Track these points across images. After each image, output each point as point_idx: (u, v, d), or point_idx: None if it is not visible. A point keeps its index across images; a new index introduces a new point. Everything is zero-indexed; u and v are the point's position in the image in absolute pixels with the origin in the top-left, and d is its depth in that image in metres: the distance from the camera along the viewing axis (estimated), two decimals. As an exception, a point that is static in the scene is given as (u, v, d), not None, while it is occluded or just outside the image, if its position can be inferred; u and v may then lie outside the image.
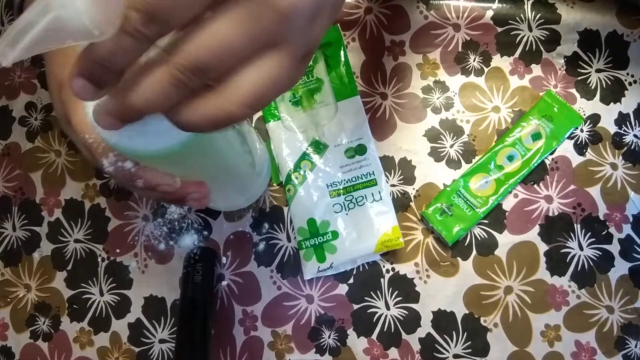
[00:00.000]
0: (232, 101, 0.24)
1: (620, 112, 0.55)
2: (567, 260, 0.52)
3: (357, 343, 0.51)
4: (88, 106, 0.29)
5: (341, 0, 0.26)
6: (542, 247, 0.52)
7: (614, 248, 0.52)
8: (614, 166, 0.54)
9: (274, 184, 0.54)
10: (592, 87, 0.56)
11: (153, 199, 0.36)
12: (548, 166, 0.54)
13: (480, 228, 0.53)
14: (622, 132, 0.55)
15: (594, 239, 0.52)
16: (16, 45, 0.20)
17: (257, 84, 0.24)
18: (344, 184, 0.53)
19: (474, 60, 0.57)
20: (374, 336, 0.51)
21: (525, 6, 0.58)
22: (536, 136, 0.53)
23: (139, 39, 0.21)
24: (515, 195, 0.53)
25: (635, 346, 0.50)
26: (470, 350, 0.51)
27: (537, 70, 0.56)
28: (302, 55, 0.25)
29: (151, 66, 0.23)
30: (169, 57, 0.23)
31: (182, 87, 0.23)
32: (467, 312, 0.51)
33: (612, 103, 0.55)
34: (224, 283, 0.53)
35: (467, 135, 0.55)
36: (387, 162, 0.54)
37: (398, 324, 0.51)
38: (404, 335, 0.51)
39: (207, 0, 0.21)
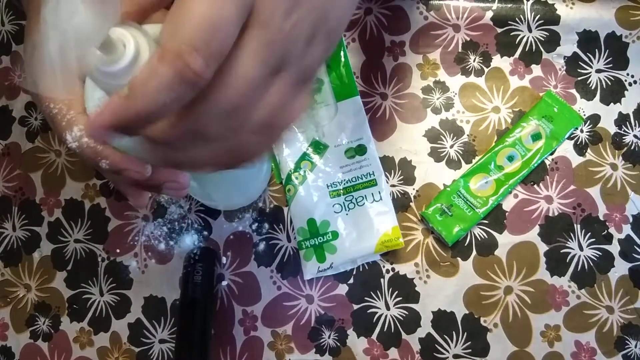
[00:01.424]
0: (242, 133, 0.23)
1: (620, 113, 0.55)
2: (567, 261, 0.52)
3: (357, 343, 0.51)
4: (89, 100, 0.29)
5: (338, 30, 0.26)
6: (542, 248, 0.52)
7: (614, 248, 0.52)
8: (614, 166, 0.54)
9: (276, 182, 0.54)
10: (592, 88, 0.56)
11: (121, 183, 0.34)
12: (548, 166, 0.54)
13: (480, 228, 0.53)
14: (622, 132, 0.55)
15: (594, 239, 0.52)
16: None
17: (263, 111, 0.23)
18: (344, 184, 0.53)
19: (474, 61, 0.57)
20: (374, 336, 0.51)
21: (525, 7, 0.58)
22: (536, 136, 0.53)
23: (197, 85, 0.20)
24: (515, 196, 0.53)
25: (635, 346, 0.50)
26: (470, 350, 0.51)
27: (537, 70, 0.56)
28: (301, 81, 0.24)
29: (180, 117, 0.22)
30: (193, 112, 0.21)
31: (205, 136, 0.22)
32: (467, 312, 0.51)
33: (612, 103, 0.55)
34: (224, 283, 0.53)
35: (467, 135, 0.55)
36: (387, 162, 0.54)
37: (398, 324, 0.51)
38: (404, 335, 0.51)
39: (238, 27, 0.21)
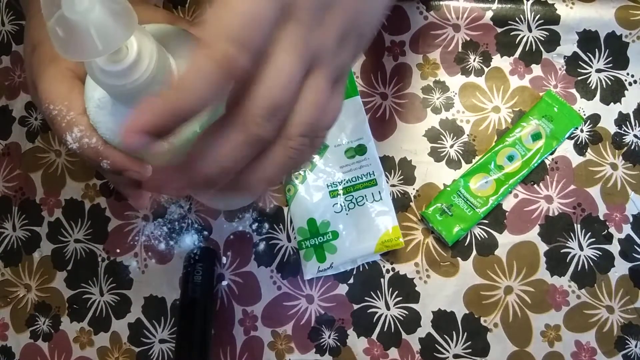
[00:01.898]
0: (291, 139, 0.23)
1: (620, 112, 0.55)
2: (567, 260, 0.52)
3: (357, 343, 0.51)
4: (89, 100, 0.29)
5: (367, 34, 0.26)
6: (542, 247, 0.52)
7: (614, 248, 0.52)
8: (614, 166, 0.54)
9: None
10: (592, 87, 0.56)
11: (122, 184, 0.33)
12: (548, 166, 0.54)
13: (480, 228, 0.53)
14: (622, 132, 0.55)
15: (594, 239, 0.52)
16: None
17: (308, 112, 0.23)
18: (344, 184, 0.53)
19: (474, 61, 0.57)
20: (374, 336, 0.51)
21: (525, 7, 0.58)
22: (536, 136, 0.53)
23: (240, 78, 0.20)
24: (515, 195, 0.53)
25: (635, 346, 0.50)
26: (470, 350, 0.51)
27: (537, 70, 0.56)
28: (334, 78, 0.24)
29: (219, 128, 0.21)
30: (239, 112, 0.21)
31: (259, 144, 0.22)
32: (467, 312, 0.51)
33: (612, 103, 0.55)
34: (224, 283, 0.53)
35: (467, 135, 0.55)
36: (387, 162, 0.54)
37: (398, 324, 0.51)
38: (404, 335, 0.51)
39: (275, 22, 0.21)
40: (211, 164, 0.22)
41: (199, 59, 0.20)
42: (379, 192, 0.52)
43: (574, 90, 0.56)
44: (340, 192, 0.53)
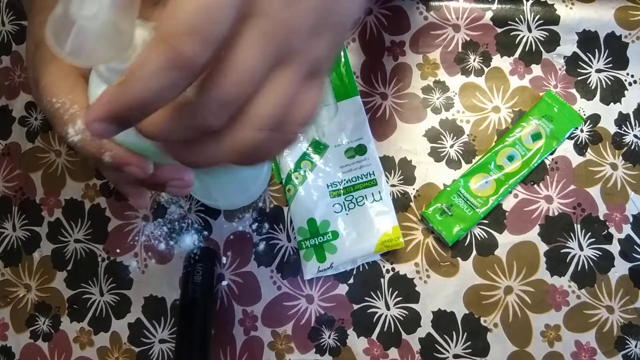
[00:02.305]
0: (250, 128, 0.22)
1: (620, 112, 0.55)
2: (567, 260, 0.52)
3: (357, 343, 0.51)
4: (93, 97, 0.29)
5: (344, 23, 0.25)
6: (542, 247, 0.52)
7: (614, 248, 0.52)
8: (614, 166, 0.54)
9: (276, 182, 0.54)
10: (592, 87, 0.56)
11: (122, 183, 0.33)
12: (548, 166, 0.54)
13: (480, 228, 0.53)
14: (622, 132, 0.55)
15: (594, 239, 0.52)
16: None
17: (274, 105, 0.22)
18: (344, 184, 0.53)
19: (474, 61, 0.57)
20: (374, 336, 0.51)
21: (525, 7, 0.58)
22: (536, 136, 0.53)
23: (189, 70, 0.20)
24: (515, 196, 0.53)
25: (635, 346, 0.50)
26: (470, 350, 0.51)
27: (537, 70, 0.56)
28: (308, 72, 0.24)
29: (177, 109, 0.22)
30: (195, 98, 0.21)
31: (209, 134, 0.22)
32: (467, 312, 0.51)
33: (612, 103, 0.55)
34: (224, 283, 0.53)
35: (467, 135, 0.55)
36: (387, 162, 0.54)
37: (398, 324, 0.51)
38: (404, 335, 0.51)
39: (236, 14, 0.20)
40: (159, 132, 0.22)
41: (151, 51, 0.19)
42: (379, 192, 0.52)
43: (574, 90, 0.56)
44: (341, 192, 0.53)
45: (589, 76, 0.56)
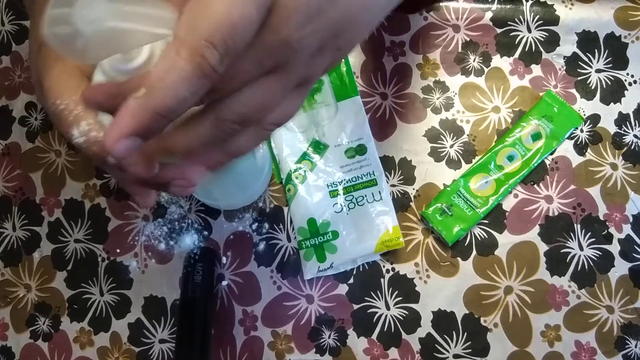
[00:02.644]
0: (220, 118, 0.23)
1: (620, 112, 0.55)
2: (567, 260, 0.52)
3: (357, 343, 0.51)
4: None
5: (349, 47, 0.26)
6: (542, 247, 0.52)
7: (614, 248, 0.52)
8: (614, 166, 0.54)
9: (277, 182, 0.54)
10: (592, 87, 0.56)
11: (128, 182, 0.33)
12: (548, 166, 0.54)
13: (480, 228, 0.53)
14: (622, 132, 0.55)
15: (594, 239, 0.52)
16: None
17: (246, 103, 0.23)
18: (344, 184, 0.53)
19: (473, 61, 0.57)
20: (374, 336, 0.51)
21: (524, 7, 0.58)
22: (536, 136, 0.53)
23: (212, 78, 0.20)
24: (515, 195, 0.53)
25: (635, 346, 0.50)
26: (470, 350, 0.51)
27: (537, 70, 0.56)
28: (295, 85, 0.24)
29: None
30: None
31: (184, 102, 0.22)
32: (467, 312, 0.51)
33: (612, 103, 0.55)
34: (224, 283, 0.53)
35: (467, 135, 0.55)
36: (387, 162, 0.55)
37: (398, 324, 0.51)
38: (404, 335, 0.51)
39: (258, 26, 0.21)
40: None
41: (176, 59, 0.20)
42: (379, 192, 0.52)
43: (573, 91, 0.56)
44: (341, 192, 0.53)
45: (589, 76, 0.56)
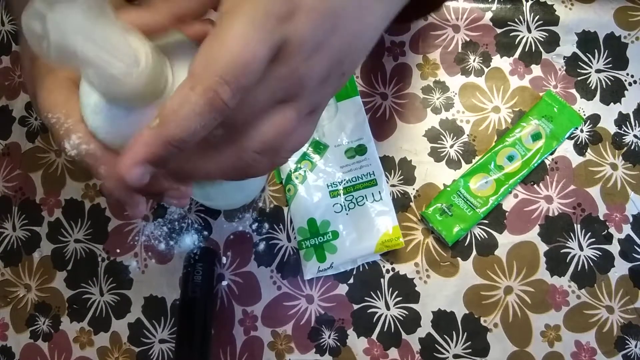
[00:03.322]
0: (243, 149, 0.25)
1: (620, 112, 0.55)
2: (567, 261, 0.52)
3: (357, 343, 0.51)
4: (86, 107, 0.29)
5: (350, 72, 0.27)
6: (542, 247, 0.52)
7: (614, 248, 0.52)
8: (614, 166, 0.54)
9: (277, 182, 0.54)
10: (592, 88, 0.56)
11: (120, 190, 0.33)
12: (548, 166, 0.54)
13: (480, 228, 0.53)
14: (622, 132, 0.55)
15: (594, 239, 0.52)
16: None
17: (266, 133, 0.25)
18: (344, 184, 0.53)
19: (473, 61, 0.57)
20: (374, 336, 0.51)
21: (524, 7, 0.58)
22: (536, 136, 0.53)
23: (224, 114, 0.22)
24: (515, 196, 0.53)
25: (635, 346, 0.50)
26: (470, 350, 0.50)
27: (537, 70, 0.56)
28: (307, 112, 0.26)
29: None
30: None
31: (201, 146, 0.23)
32: (467, 312, 0.51)
33: (612, 103, 0.55)
34: (224, 283, 0.53)
35: (467, 135, 0.55)
36: (387, 162, 0.55)
37: (398, 324, 0.51)
38: (404, 335, 0.51)
39: (265, 67, 0.22)
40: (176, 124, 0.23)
41: (190, 94, 0.21)
42: (379, 192, 0.52)
43: (573, 91, 0.56)
44: (341, 192, 0.53)
45: (589, 76, 0.56)
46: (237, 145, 0.25)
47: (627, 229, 0.53)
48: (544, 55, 0.57)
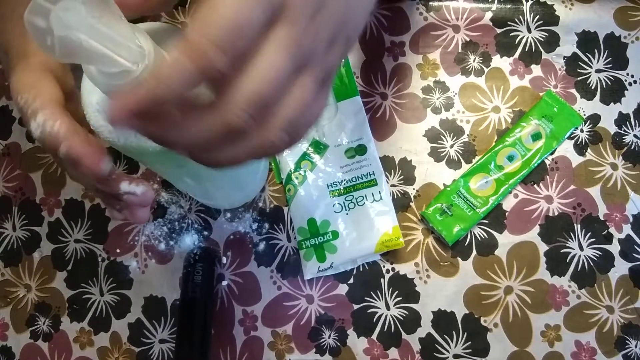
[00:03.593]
0: (270, 130, 0.24)
1: (620, 112, 0.55)
2: (567, 260, 0.52)
3: (357, 343, 0.51)
4: (87, 106, 0.29)
5: (354, 35, 0.27)
6: (542, 247, 0.52)
7: (614, 248, 0.52)
8: (614, 166, 0.54)
9: (277, 182, 0.54)
10: (592, 87, 0.56)
11: (83, 183, 0.32)
12: (548, 166, 0.54)
13: (480, 228, 0.53)
14: (622, 132, 0.55)
15: (594, 239, 0.52)
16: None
17: (291, 109, 0.24)
18: (344, 184, 0.53)
19: (473, 61, 0.57)
20: (374, 336, 0.51)
21: (524, 7, 0.58)
22: (536, 136, 0.53)
23: (213, 77, 0.21)
24: (515, 195, 0.53)
25: (635, 346, 0.50)
26: (470, 350, 0.50)
27: (537, 70, 0.56)
28: (322, 80, 0.25)
29: (202, 111, 0.23)
30: (222, 102, 0.22)
31: (236, 134, 0.23)
32: (467, 312, 0.51)
33: (612, 103, 0.55)
34: (224, 283, 0.53)
35: (467, 135, 0.55)
36: (387, 162, 0.55)
37: (398, 324, 0.51)
38: (404, 335, 0.51)
39: (263, 26, 0.22)
40: (183, 135, 0.23)
41: (179, 55, 0.21)
42: (379, 192, 0.52)
43: (573, 90, 0.56)
44: (341, 192, 0.53)
45: (589, 76, 0.56)
46: (269, 125, 0.24)
47: (627, 229, 0.53)
48: (544, 55, 0.57)
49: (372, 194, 0.52)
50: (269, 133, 0.24)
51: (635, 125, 0.55)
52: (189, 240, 0.53)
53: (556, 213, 0.53)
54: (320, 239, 0.51)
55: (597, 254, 0.52)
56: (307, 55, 0.23)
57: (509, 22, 0.57)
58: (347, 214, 0.52)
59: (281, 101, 0.23)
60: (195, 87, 0.21)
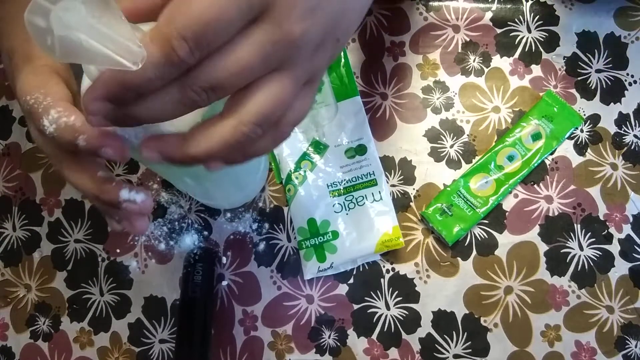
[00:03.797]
0: (242, 121, 0.24)
1: (620, 112, 0.55)
2: (567, 260, 0.52)
3: (357, 343, 0.51)
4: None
5: (345, 38, 0.27)
6: (542, 247, 0.52)
7: (614, 248, 0.52)
8: (614, 166, 0.54)
9: (277, 182, 0.54)
10: (592, 87, 0.56)
11: (82, 190, 0.31)
12: (548, 166, 0.54)
13: (480, 228, 0.53)
14: (622, 132, 0.55)
15: (594, 239, 0.52)
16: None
17: (264, 103, 0.24)
18: (344, 184, 0.53)
19: (473, 61, 0.57)
20: (374, 336, 0.51)
21: (524, 7, 0.58)
22: (536, 136, 0.53)
23: (181, 67, 0.22)
24: (515, 195, 0.53)
25: (636, 346, 0.50)
26: (470, 350, 0.50)
27: (537, 70, 0.56)
28: (304, 81, 0.26)
29: (166, 86, 0.23)
30: (185, 78, 0.23)
31: (190, 106, 0.24)
32: (467, 312, 0.51)
33: (612, 103, 0.55)
34: (224, 283, 0.53)
35: (467, 135, 0.55)
36: (387, 162, 0.55)
37: (398, 324, 0.51)
38: (404, 335, 0.51)
39: (240, 24, 0.22)
40: (145, 109, 0.24)
41: (149, 45, 0.21)
42: (379, 192, 0.52)
43: (573, 91, 0.56)
44: (341, 192, 0.53)
45: (589, 76, 0.56)
46: (234, 116, 0.24)
47: (627, 229, 0.53)
48: (544, 55, 0.57)
49: (372, 194, 0.52)
50: (240, 124, 0.24)
51: (635, 125, 0.55)
52: (189, 240, 0.53)
53: (556, 213, 0.53)
54: (320, 239, 0.51)
55: (597, 254, 0.52)
56: (287, 55, 0.24)
57: (509, 22, 0.57)
58: (347, 214, 0.52)
59: (249, 94, 0.24)
60: (162, 72, 0.22)
